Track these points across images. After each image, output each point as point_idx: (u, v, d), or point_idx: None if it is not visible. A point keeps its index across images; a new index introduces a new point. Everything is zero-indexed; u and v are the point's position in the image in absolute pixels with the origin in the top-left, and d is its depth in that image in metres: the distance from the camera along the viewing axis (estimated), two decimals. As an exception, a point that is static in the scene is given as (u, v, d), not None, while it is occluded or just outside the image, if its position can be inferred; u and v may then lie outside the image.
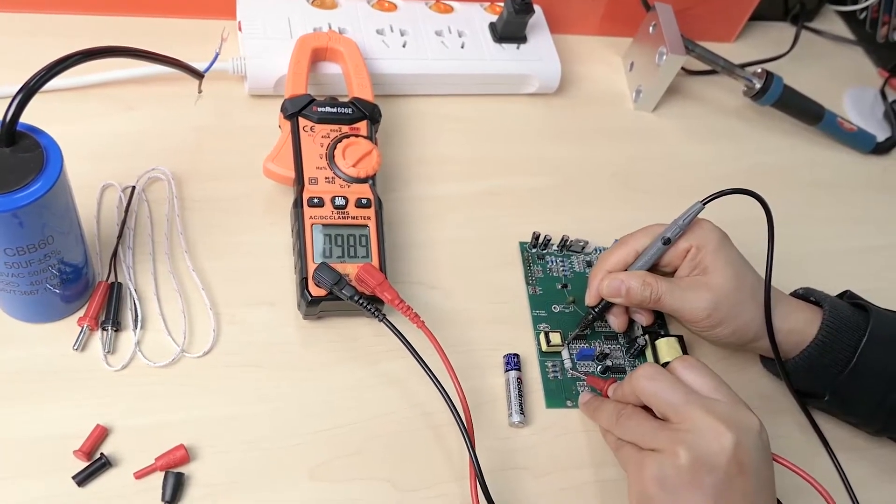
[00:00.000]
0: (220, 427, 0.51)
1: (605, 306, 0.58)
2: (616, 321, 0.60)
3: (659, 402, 0.48)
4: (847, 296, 0.60)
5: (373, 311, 0.53)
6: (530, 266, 0.63)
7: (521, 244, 0.65)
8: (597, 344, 0.61)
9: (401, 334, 0.52)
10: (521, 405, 0.56)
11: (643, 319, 0.59)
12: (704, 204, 0.55)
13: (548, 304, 0.62)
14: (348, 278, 0.54)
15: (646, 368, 0.49)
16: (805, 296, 0.59)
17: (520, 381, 0.57)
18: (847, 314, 0.56)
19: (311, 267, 0.54)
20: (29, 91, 0.42)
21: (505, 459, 0.54)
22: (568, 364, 0.59)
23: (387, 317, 0.53)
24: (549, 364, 0.59)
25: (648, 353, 0.60)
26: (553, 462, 0.55)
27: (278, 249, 0.59)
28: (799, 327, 0.56)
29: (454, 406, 0.51)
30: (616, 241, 0.59)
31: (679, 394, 0.47)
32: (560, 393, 0.58)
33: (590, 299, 0.59)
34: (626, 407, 0.51)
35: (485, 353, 0.58)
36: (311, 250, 0.55)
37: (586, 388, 0.58)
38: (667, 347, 0.59)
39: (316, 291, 0.53)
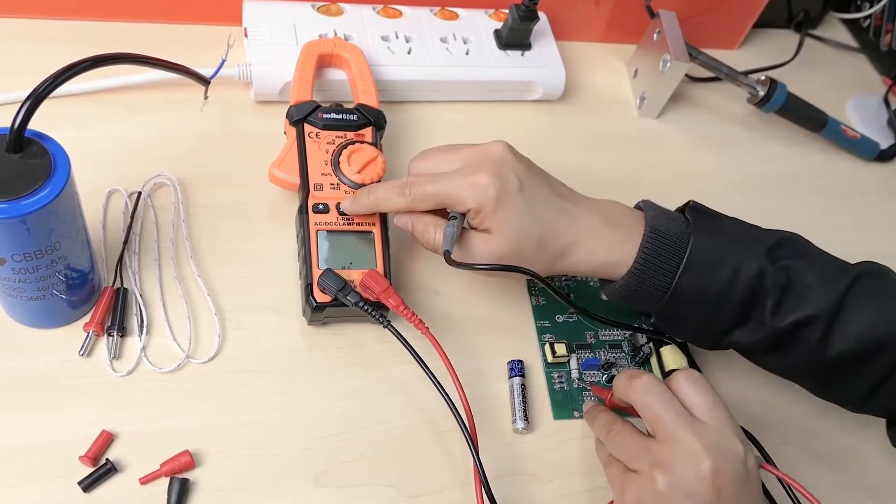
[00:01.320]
0: (226, 433, 0.51)
1: None
2: None
3: (650, 415, 0.48)
4: (689, 208, 0.55)
5: (377, 317, 0.53)
6: (534, 273, 0.63)
7: (525, 251, 0.65)
8: (601, 353, 0.61)
9: (405, 340, 0.52)
10: (524, 412, 0.56)
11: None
12: (456, 215, 0.53)
13: (551, 314, 0.62)
14: (353, 284, 0.54)
15: (643, 379, 0.49)
16: (642, 209, 0.55)
17: (524, 387, 0.57)
18: (668, 241, 0.52)
19: (316, 273, 0.54)
20: (37, 98, 0.42)
21: (510, 466, 0.54)
22: (574, 374, 0.59)
23: (391, 323, 0.53)
24: (556, 375, 0.59)
25: (653, 360, 0.60)
26: (557, 469, 0.55)
27: (283, 255, 0.59)
28: (616, 258, 0.53)
29: (458, 412, 0.51)
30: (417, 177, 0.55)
31: (669, 412, 0.47)
32: (567, 404, 0.58)
33: (353, 213, 0.56)
34: (616, 421, 0.51)
35: (489, 359, 0.58)
36: (316, 256, 0.55)
37: (593, 398, 0.58)
38: (671, 355, 0.59)
39: (321, 297, 0.54)
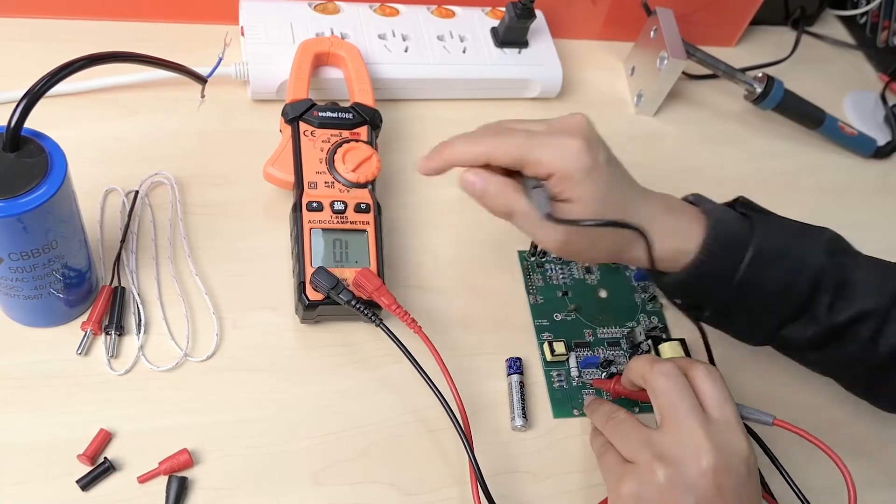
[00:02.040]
0: (224, 431, 0.51)
1: None
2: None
3: (664, 401, 0.47)
4: (739, 203, 0.56)
5: (370, 315, 0.53)
6: (530, 275, 0.63)
7: (520, 253, 0.64)
8: (600, 351, 0.61)
9: (397, 339, 0.52)
10: (523, 409, 0.56)
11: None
12: (541, 184, 0.48)
13: (549, 312, 0.62)
14: (346, 283, 0.54)
15: (667, 365, 0.48)
16: (695, 202, 0.54)
17: (522, 384, 0.57)
18: (733, 230, 0.52)
19: (309, 271, 0.54)
20: (34, 96, 0.42)
21: (507, 463, 0.54)
22: (574, 372, 0.59)
23: (384, 322, 0.53)
24: (555, 374, 0.59)
25: (651, 357, 0.61)
26: (555, 466, 0.55)
27: (280, 253, 0.59)
28: (680, 246, 0.52)
29: (451, 409, 0.51)
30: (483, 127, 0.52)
31: (686, 402, 0.47)
32: (566, 402, 0.58)
33: (428, 169, 0.51)
34: (619, 411, 0.51)
35: (487, 357, 0.58)
36: (309, 254, 0.55)
37: (592, 393, 0.58)
38: (670, 352, 0.59)
39: (313, 296, 0.54)
